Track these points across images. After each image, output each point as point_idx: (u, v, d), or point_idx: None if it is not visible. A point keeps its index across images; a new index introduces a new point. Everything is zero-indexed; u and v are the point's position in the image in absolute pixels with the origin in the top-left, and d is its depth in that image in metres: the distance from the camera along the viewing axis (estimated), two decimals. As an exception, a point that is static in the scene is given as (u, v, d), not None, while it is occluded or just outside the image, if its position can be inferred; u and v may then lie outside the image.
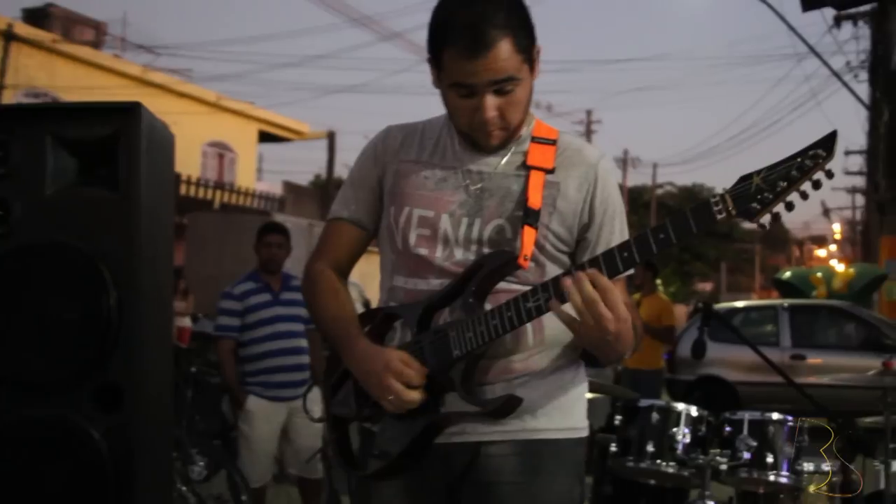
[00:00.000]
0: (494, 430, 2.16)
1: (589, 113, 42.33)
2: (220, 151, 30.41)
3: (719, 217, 1.85)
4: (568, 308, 1.94)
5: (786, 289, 16.69)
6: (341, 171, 39.65)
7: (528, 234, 2.12)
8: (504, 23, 2.04)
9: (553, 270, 2.17)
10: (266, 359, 5.65)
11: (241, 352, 5.68)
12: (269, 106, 37.86)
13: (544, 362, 2.21)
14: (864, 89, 18.64)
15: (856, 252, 39.13)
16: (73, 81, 23.40)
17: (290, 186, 30.21)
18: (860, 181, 30.13)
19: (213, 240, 19.78)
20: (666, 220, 1.90)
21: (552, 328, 2.13)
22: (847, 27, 18.92)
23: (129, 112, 2.48)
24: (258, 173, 34.03)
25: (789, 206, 1.83)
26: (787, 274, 17.22)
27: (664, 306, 9.11)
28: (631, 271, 2.13)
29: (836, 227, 51.30)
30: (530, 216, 2.14)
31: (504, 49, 2.04)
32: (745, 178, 1.85)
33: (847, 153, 31.53)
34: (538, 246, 2.16)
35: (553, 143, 2.24)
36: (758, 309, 13.93)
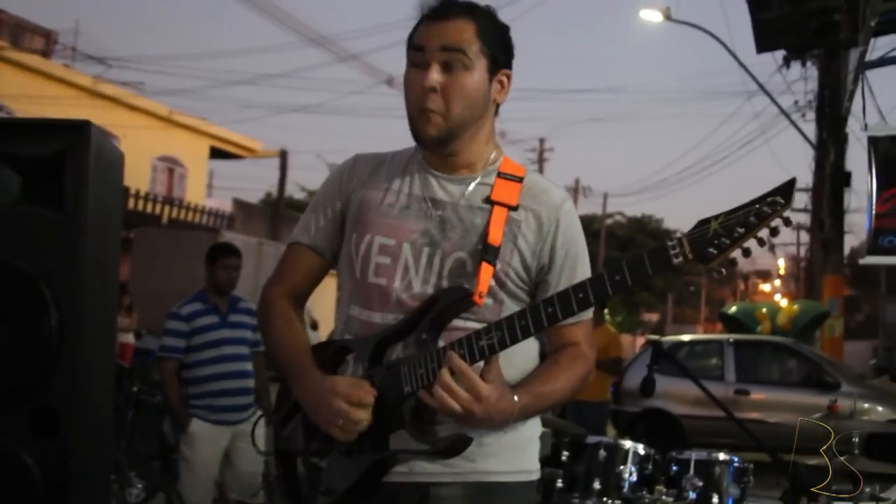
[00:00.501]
0: (444, 471, 2.12)
1: (542, 141, 42.64)
2: (171, 166, 30.09)
3: (676, 261, 1.84)
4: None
5: (731, 323, 16.88)
6: (292, 190, 39.55)
7: (486, 271, 2.10)
8: (469, 9, 2.16)
9: (512, 307, 2.15)
10: (212, 382, 5.53)
11: (185, 374, 5.55)
12: (221, 123, 37.56)
13: None
14: (811, 128, 19.00)
15: (799, 288, 39.80)
16: (21, 90, 23.01)
17: (240, 204, 29.93)
18: (805, 218, 30.61)
19: (160, 255, 19.55)
20: (623, 263, 1.90)
21: (507, 367, 2.10)
22: (796, 67, 19.28)
23: (78, 130, 2.43)
24: (208, 189, 33.74)
25: (746, 253, 1.83)
26: (733, 308, 17.44)
27: (611, 338, 9.13)
28: (589, 313, 2.12)
29: (781, 263, 52.08)
30: (489, 252, 2.11)
31: (463, 24, 2.13)
32: (703, 223, 1.84)
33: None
34: (498, 282, 2.14)
35: (520, 180, 2.23)
36: (703, 343, 14.05)
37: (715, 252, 1.81)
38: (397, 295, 2.16)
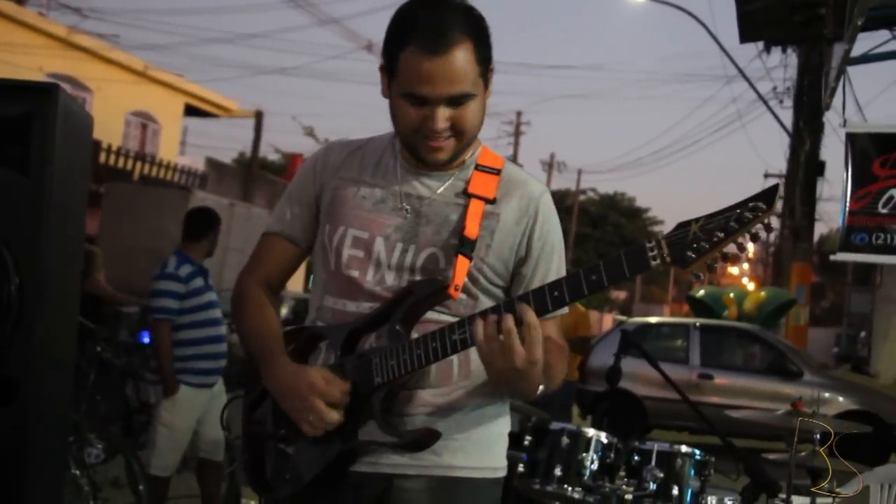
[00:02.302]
0: (410, 463, 2.10)
1: (519, 114, 42.49)
2: (144, 122, 29.74)
3: (653, 263, 1.81)
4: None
5: (698, 307, 17.00)
6: (266, 151, 39.28)
7: (462, 264, 2.07)
8: (466, 29, 2.00)
9: (487, 303, 2.12)
10: (200, 345, 5.53)
11: (173, 336, 5.48)
12: (197, 80, 37.20)
13: (467, 398, 2.15)
14: (788, 115, 19.08)
15: (767, 273, 40.12)
16: (-6, 37, 22.63)
17: (213, 163, 29.64)
18: (777, 206, 30.80)
19: (130, 211, 19.39)
20: (599, 263, 1.87)
21: (478, 363, 2.08)
22: (776, 53, 19.31)
23: (46, 93, 2.37)
24: (181, 147, 33.42)
25: (725, 257, 1.80)
26: (701, 292, 17.53)
27: (580, 316, 9.15)
28: (564, 310, 2.09)
29: (750, 247, 52.46)
30: (465, 245, 2.08)
31: (463, 55, 1.99)
32: (683, 226, 1.81)
33: (766, 176, 32.26)
34: (471, 278, 2.11)
35: (497, 172, 2.19)
36: (670, 326, 14.13)
37: (693, 256, 1.78)
38: (370, 287, 2.13)
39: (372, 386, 2.04)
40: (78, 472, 5.38)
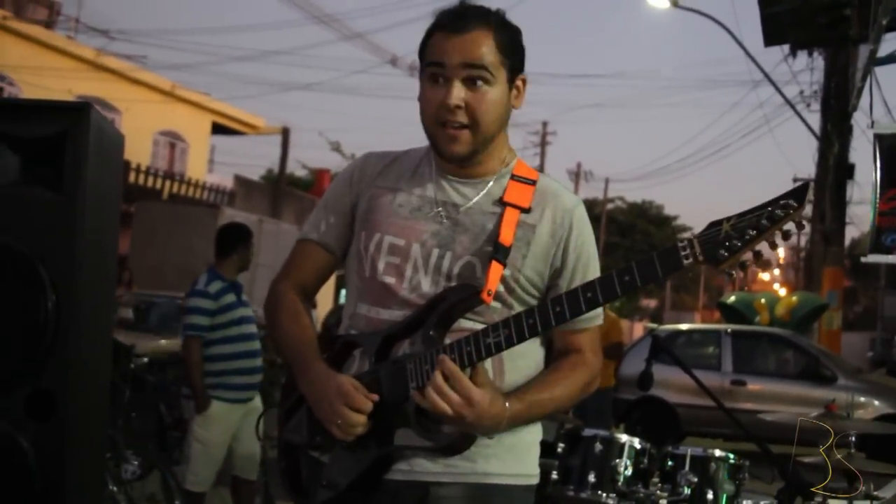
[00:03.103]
0: (445, 471, 2.11)
1: (545, 125, 42.55)
2: (172, 141, 30.01)
3: (686, 262, 1.83)
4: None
5: (730, 313, 16.86)
6: (294, 168, 39.44)
7: (495, 270, 2.08)
8: (487, 19, 2.10)
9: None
10: (232, 360, 5.54)
11: (205, 351, 5.50)
12: (224, 98, 37.47)
13: None
14: (816, 118, 18.92)
15: (798, 278, 39.78)
16: (23, 61, 22.91)
17: (241, 180, 29.84)
18: (807, 209, 30.55)
19: (159, 230, 19.55)
20: (632, 264, 1.88)
21: (513, 371, 2.09)
22: (802, 57, 19.16)
23: (78, 112, 2.42)
24: (209, 165, 33.67)
25: (757, 256, 1.81)
26: (732, 298, 17.39)
27: (612, 322, 9.10)
28: (599, 321, 2.11)
29: (781, 253, 52.08)
30: (499, 251, 2.09)
31: (482, 37, 2.08)
32: (715, 224, 1.83)
33: (795, 181, 31.98)
34: (507, 288, 2.12)
35: (532, 183, 2.21)
36: (701, 332, 14.02)
37: (726, 254, 1.80)
38: (405, 295, 2.14)
39: (407, 392, 2.05)
40: (115, 489, 5.43)
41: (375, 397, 2.05)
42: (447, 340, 2.06)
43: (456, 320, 2.09)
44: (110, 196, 2.65)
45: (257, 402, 5.72)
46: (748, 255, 1.81)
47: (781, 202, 1.78)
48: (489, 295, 2.06)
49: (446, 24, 2.09)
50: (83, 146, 2.40)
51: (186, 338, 5.54)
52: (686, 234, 1.85)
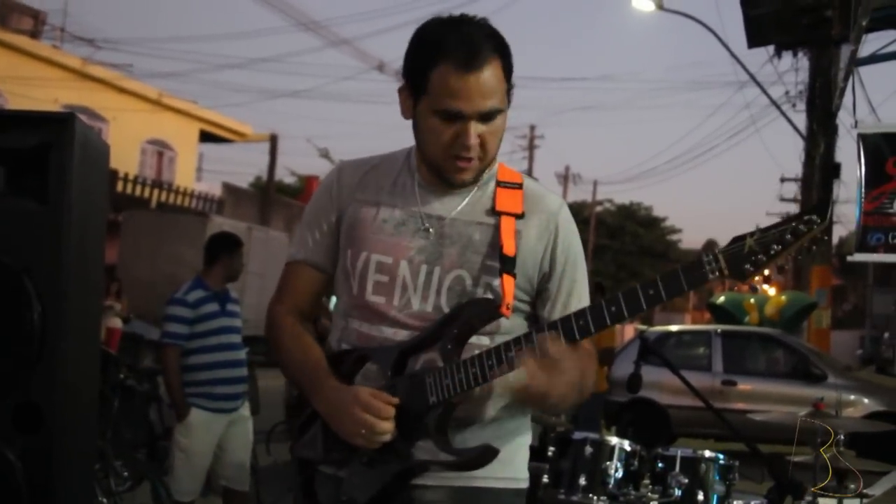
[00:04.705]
0: (430, 473, 2.09)
1: (532, 128, 42.59)
2: (160, 149, 29.97)
3: (711, 277, 1.86)
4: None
5: (719, 313, 16.89)
6: (282, 175, 39.42)
7: (508, 282, 2.08)
8: (494, 46, 2.06)
9: (514, 320, 2.14)
10: (213, 369, 5.51)
11: (185, 361, 5.49)
12: (211, 106, 37.41)
13: (488, 410, 2.15)
14: (801, 118, 18.98)
15: (787, 278, 39.91)
16: (10, 71, 22.85)
17: (229, 188, 29.80)
18: (794, 208, 30.68)
19: (148, 239, 19.54)
20: (657, 278, 1.90)
21: (501, 378, 2.09)
22: (787, 57, 19.23)
23: (63, 122, 2.41)
24: (198, 173, 33.61)
25: (780, 270, 1.84)
26: (721, 299, 17.41)
27: (602, 328, 9.09)
28: (615, 325, 2.12)
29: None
30: (507, 263, 2.09)
31: (493, 71, 2.04)
32: (739, 239, 1.86)
33: (782, 180, 32.21)
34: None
35: (519, 187, 2.20)
36: (691, 333, 14.04)
37: (751, 269, 1.84)
38: (395, 314, 2.13)
39: (427, 405, 2.04)
40: (105, 501, 5.42)
41: (396, 401, 2.04)
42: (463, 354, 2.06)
43: (473, 334, 2.08)
44: (96, 206, 2.64)
45: (244, 410, 5.69)
46: (771, 269, 1.84)
47: (805, 217, 1.83)
48: (508, 308, 2.06)
49: (460, 60, 2.01)
50: (68, 157, 2.39)
51: (164, 346, 5.55)
52: (715, 249, 1.86)
